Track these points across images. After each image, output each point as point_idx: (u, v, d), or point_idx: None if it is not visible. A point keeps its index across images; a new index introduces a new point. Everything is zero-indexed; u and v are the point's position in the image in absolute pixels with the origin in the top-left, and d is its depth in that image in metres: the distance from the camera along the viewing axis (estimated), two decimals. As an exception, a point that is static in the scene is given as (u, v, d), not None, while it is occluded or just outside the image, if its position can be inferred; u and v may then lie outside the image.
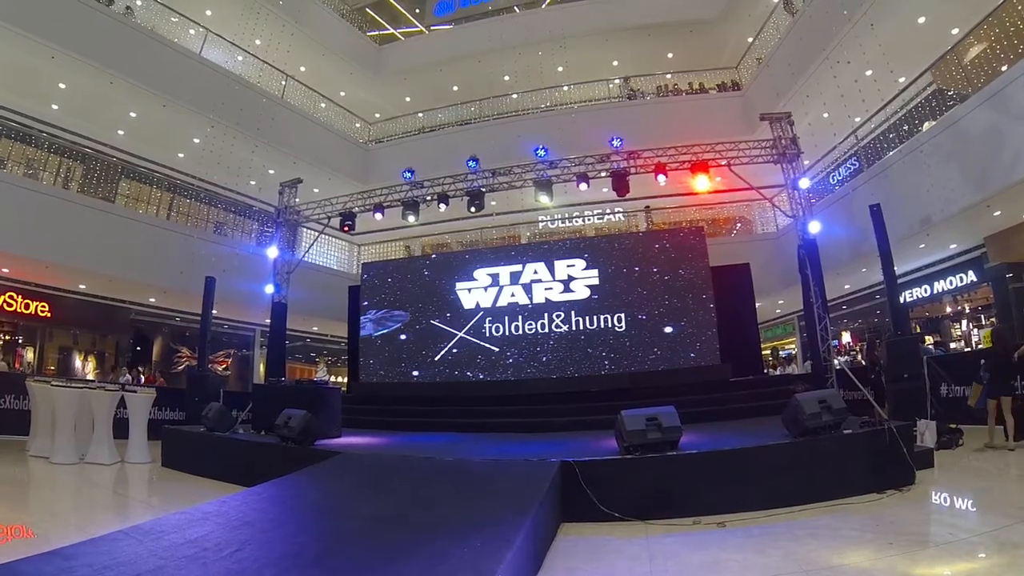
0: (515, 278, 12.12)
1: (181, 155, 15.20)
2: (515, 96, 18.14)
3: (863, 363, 12.63)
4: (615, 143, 10.01)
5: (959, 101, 9.42)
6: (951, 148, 9.11)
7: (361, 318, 12.84)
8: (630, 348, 11.23)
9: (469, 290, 12.32)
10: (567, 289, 11.82)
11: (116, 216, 12.13)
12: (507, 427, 9.38)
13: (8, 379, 10.24)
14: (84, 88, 12.54)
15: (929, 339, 11.62)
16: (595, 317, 11.54)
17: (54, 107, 13.01)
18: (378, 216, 11.03)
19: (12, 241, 10.44)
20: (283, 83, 16.73)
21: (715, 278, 11.31)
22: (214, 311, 11.14)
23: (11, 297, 12.38)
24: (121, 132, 14.13)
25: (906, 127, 10.93)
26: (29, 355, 13.18)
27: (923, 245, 11.19)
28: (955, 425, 7.38)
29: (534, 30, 17.21)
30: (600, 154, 10.21)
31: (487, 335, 11.99)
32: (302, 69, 17.50)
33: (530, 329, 11.81)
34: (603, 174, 10.01)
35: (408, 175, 10.83)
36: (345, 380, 15.26)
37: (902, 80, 11.16)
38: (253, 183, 15.85)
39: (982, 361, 7.58)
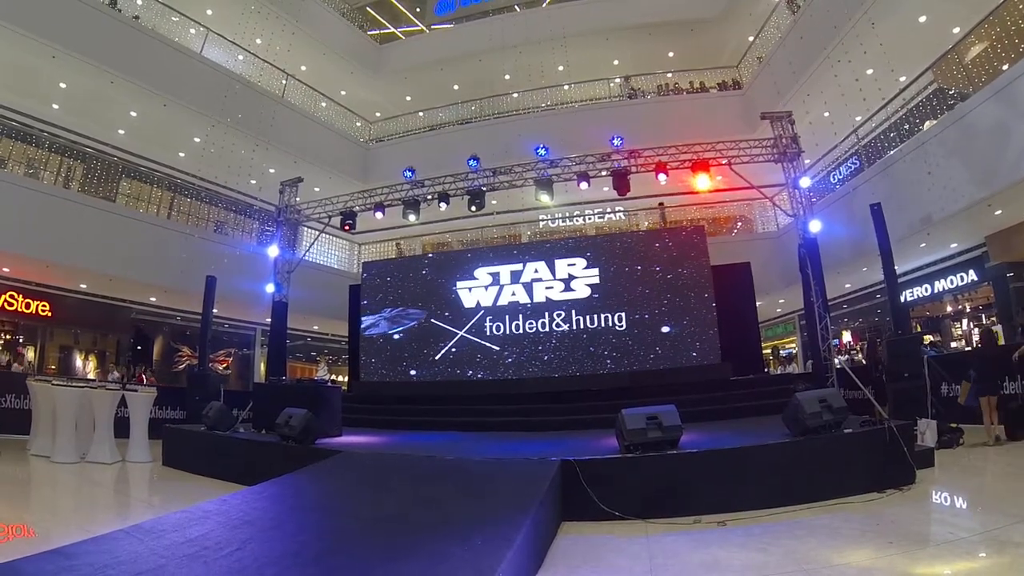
0: (516, 277, 12.12)
1: (182, 154, 15.21)
2: (516, 95, 18.14)
3: (863, 362, 12.63)
4: (616, 142, 10.01)
5: (960, 100, 9.41)
6: (958, 144, 9.06)
7: (374, 316, 12.80)
8: (631, 347, 11.23)
9: (470, 289, 12.32)
10: (568, 288, 11.83)
11: (117, 215, 12.15)
12: (508, 426, 9.40)
13: (9, 378, 10.26)
14: (85, 88, 12.54)
15: (928, 338, 11.62)
16: (596, 316, 11.54)
17: (55, 107, 13.02)
18: (379, 215, 11.03)
19: (13, 241, 10.46)
20: (284, 82, 16.73)
21: (716, 277, 11.31)
22: (215, 310, 11.15)
23: (12, 296, 12.40)
24: (122, 131, 14.15)
25: (907, 126, 10.93)
26: (30, 354, 13.19)
27: (924, 244, 11.18)
28: (956, 424, 7.38)
29: (535, 29, 17.18)
30: (601, 153, 10.20)
31: (488, 334, 11.99)
32: (303, 68, 17.49)
33: (531, 328, 11.81)
34: (604, 173, 10.01)
35: (409, 174, 10.83)
36: (346, 379, 15.28)
37: (903, 79, 11.14)
38: (254, 182, 15.84)
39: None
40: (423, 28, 21.38)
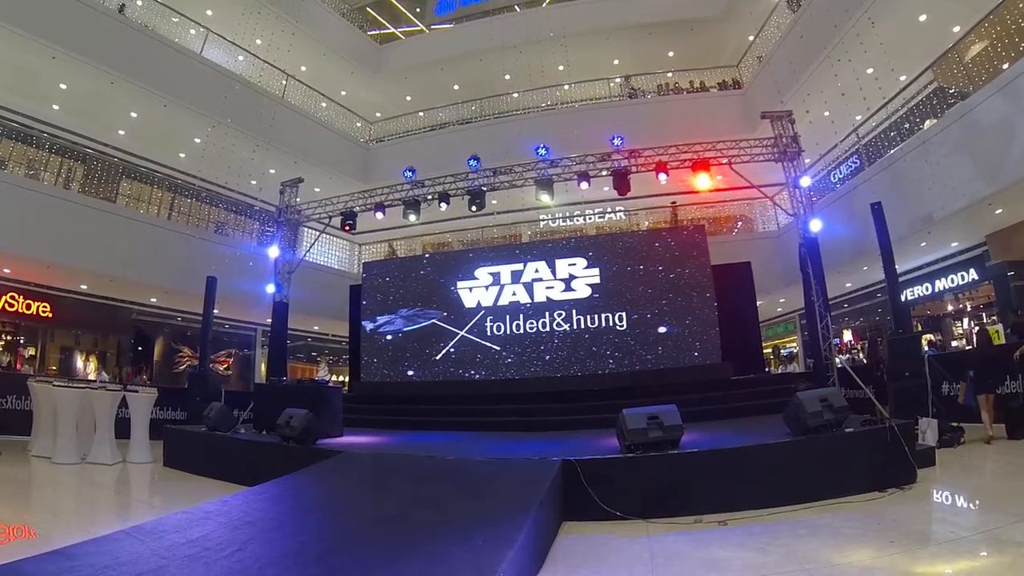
0: (516, 277, 12.12)
1: (182, 155, 15.21)
2: (516, 95, 18.14)
3: (864, 361, 12.62)
4: (616, 142, 10.00)
5: (960, 99, 9.39)
6: (961, 141, 9.03)
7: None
8: (632, 347, 11.23)
9: (470, 289, 12.32)
10: (568, 288, 11.82)
11: (117, 216, 12.15)
12: (508, 426, 9.40)
13: (10, 379, 10.26)
14: (85, 88, 12.54)
15: (928, 338, 11.62)
16: (597, 316, 11.54)
17: (55, 107, 13.02)
18: (379, 215, 11.02)
19: (13, 241, 10.46)
20: (284, 83, 16.74)
21: (716, 276, 11.31)
22: (215, 311, 11.15)
23: (12, 298, 12.40)
24: (122, 132, 14.15)
25: (907, 125, 10.92)
26: (31, 351, 13.20)
27: (924, 243, 11.17)
28: (957, 423, 7.38)
29: (535, 29, 17.17)
30: (601, 153, 10.19)
31: (488, 334, 11.99)
32: (303, 68, 17.50)
33: (531, 328, 11.80)
34: (604, 173, 10.00)
35: (409, 174, 10.83)
36: (346, 379, 15.28)
37: (903, 78, 11.14)
38: (254, 183, 15.85)
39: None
40: (423, 28, 21.38)
